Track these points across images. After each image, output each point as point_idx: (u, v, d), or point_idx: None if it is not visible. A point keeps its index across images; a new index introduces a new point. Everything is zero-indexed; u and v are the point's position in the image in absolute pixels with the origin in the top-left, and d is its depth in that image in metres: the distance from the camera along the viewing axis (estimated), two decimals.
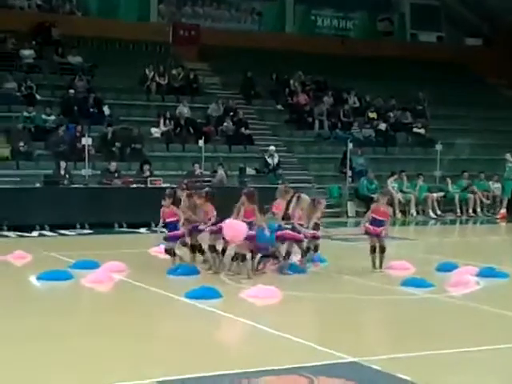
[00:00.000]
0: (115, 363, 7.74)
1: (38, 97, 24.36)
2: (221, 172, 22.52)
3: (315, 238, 13.10)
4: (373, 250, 13.17)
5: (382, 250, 13.08)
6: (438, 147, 25.58)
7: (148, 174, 21.66)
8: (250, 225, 12.17)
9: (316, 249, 13.24)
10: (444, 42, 35.44)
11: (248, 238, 12.13)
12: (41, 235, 18.14)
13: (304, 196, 13.36)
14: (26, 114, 23.32)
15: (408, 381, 7.17)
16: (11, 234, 18.11)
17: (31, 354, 7.91)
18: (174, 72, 27.52)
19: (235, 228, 12.11)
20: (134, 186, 20.88)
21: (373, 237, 13.14)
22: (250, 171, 23.79)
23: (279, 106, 28.31)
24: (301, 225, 12.83)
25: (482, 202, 24.99)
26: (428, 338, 9.01)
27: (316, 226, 13.08)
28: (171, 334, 9.09)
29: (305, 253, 13.05)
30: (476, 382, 7.46)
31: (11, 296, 11.06)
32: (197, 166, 22.45)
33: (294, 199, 13.22)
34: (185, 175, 22.34)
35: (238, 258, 12.30)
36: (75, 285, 11.73)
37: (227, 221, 12.27)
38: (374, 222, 13.14)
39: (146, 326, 9.36)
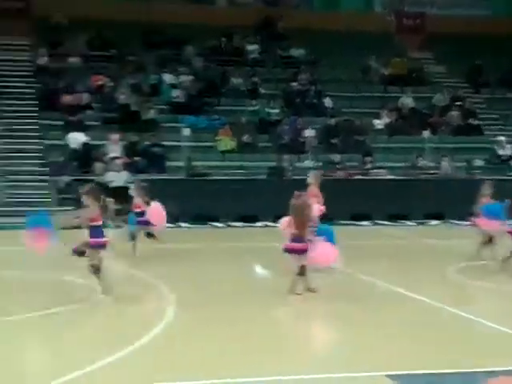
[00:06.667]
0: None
1: (261, 90, 24.75)
2: (445, 164, 21.61)
3: None
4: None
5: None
6: None
7: (370, 165, 21.28)
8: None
9: None
10: None
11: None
12: (266, 226, 18.26)
13: None
14: (250, 107, 23.80)
15: None
16: (237, 223, 18.54)
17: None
18: (397, 62, 26.83)
19: None
20: (357, 177, 20.60)
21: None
22: (478, 163, 22.56)
23: (511, 95, 26.64)
24: None
25: None
26: None
27: None
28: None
29: None
30: None
31: None
32: (420, 158, 21.80)
33: None
34: (408, 167, 21.82)
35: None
36: None
37: None
38: None
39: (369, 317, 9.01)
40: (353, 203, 19.11)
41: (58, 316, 8.92)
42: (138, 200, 13.69)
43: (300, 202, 10.33)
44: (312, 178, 13.66)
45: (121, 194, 19.33)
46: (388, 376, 6.70)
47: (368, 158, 21.73)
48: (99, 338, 8.14)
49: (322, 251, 10.30)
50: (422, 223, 19.50)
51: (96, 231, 9.95)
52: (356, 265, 12.54)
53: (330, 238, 11.03)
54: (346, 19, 27.91)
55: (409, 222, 19.54)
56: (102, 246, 10.00)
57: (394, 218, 19.66)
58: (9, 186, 20.31)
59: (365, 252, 14.55)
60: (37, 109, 22.74)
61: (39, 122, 22.41)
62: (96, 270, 9.88)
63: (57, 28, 25.08)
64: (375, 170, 21.41)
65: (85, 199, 10.01)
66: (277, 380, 6.66)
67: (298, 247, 10.13)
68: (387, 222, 19.49)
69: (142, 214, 13.52)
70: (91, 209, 9.94)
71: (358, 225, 18.93)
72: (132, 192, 14.09)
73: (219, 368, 6.94)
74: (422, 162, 21.89)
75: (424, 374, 6.88)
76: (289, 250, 10.24)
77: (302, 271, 10.18)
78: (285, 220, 11.02)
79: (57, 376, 6.47)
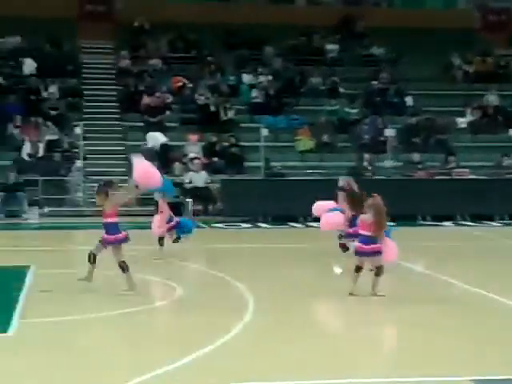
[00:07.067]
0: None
1: (341, 90, 24.48)
2: None
3: None
4: None
5: None
6: None
7: (453, 165, 20.77)
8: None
9: None
10: None
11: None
12: None
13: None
14: (329, 107, 23.58)
15: None
16: (316, 224, 18.31)
17: None
18: (481, 59, 26.15)
19: None
20: (439, 177, 20.17)
21: None
22: None
23: None
24: None
25: None
26: None
27: None
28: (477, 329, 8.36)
29: None
30: None
31: None
32: (505, 157, 21.17)
33: None
34: (492, 167, 21.24)
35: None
36: None
37: None
38: None
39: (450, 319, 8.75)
40: (435, 203, 18.68)
41: (136, 315, 8.95)
42: (162, 205, 13.24)
43: (382, 203, 9.98)
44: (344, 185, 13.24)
45: (199, 195, 19.55)
46: (473, 381, 6.44)
47: (451, 158, 21.23)
48: (176, 337, 8.10)
49: (387, 248, 10.05)
50: (508, 224, 18.90)
51: (112, 228, 9.89)
52: (437, 266, 12.24)
53: (387, 235, 10.78)
54: (426, 16, 27.43)
55: (494, 223, 18.98)
56: (122, 240, 9.92)
57: (478, 218, 19.13)
58: (92, 186, 20.66)
59: (447, 253, 14.16)
60: (118, 110, 23.12)
61: (121, 123, 22.76)
62: (124, 267, 9.81)
63: (138, 31, 25.45)
64: (458, 170, 20.88)
65: (97, 199, 10.06)
66: (356, 382, 6.50)
67: (370, 249, 9.86)
68: (471, 222, 18.98)
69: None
70: (106, 205, 9.88)
71: (440, 225, 18.49)
72: (156, 196, 13.40)
73: (294, 370, 6.81)
74: (507, 162, 21.24)
75: (510, 380, 6.59)
76: (362, 253, 9.98)
77: (379, 272, 9.93)
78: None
79: (132, 376, 6.44)
